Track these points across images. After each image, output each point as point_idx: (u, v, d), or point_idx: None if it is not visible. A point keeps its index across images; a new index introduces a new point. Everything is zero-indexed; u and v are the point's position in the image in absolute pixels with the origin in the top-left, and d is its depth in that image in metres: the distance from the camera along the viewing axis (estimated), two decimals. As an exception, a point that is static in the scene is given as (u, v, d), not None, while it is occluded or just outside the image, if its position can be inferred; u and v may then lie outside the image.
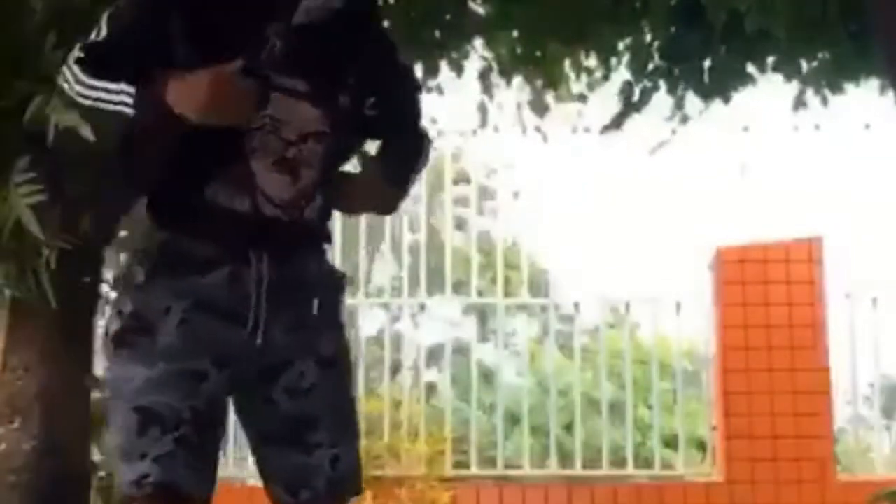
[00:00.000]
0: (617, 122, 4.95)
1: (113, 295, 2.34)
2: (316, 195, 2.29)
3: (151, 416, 2.14)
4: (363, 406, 6.92)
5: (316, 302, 2.30)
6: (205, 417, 2.17)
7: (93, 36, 2.21)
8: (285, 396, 2.27)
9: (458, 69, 4.87)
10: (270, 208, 2.23)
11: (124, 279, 2.26)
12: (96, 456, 3.41)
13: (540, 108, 5.18)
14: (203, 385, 2.17)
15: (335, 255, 7.56)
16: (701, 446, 7.86)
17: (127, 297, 2.24)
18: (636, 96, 4.86)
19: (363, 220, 7.76)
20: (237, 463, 7.71)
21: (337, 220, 7.78)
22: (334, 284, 2.37)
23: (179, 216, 2.22)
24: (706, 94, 4.79)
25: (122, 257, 3.22)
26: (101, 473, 3.47)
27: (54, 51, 2.83)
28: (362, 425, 7.57)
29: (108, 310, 2.33)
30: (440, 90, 4.98)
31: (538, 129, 5.40)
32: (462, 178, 9.18)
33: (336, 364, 2.34)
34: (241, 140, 2.21)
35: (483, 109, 5.23)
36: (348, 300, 8.42)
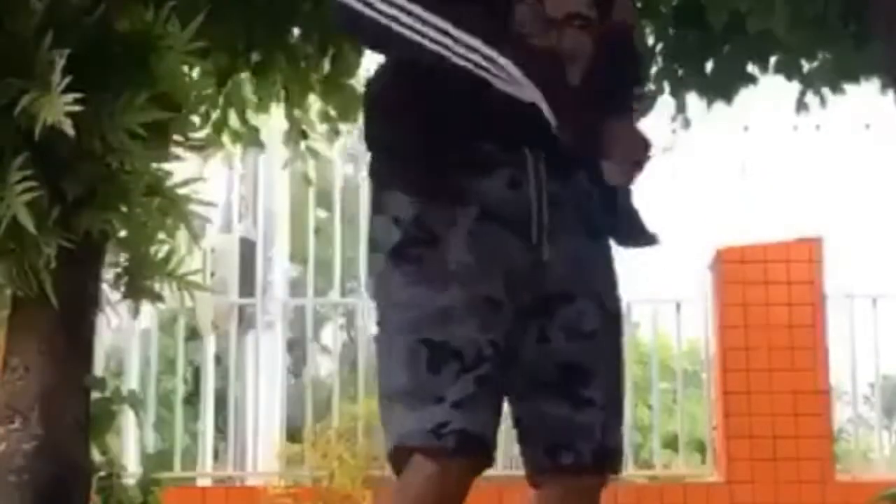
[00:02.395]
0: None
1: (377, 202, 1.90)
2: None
3: (447, 352, 1.78)
4: (363, 406, 6.93)
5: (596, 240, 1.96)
6: (504, 355, 1.83)
7: None
8: (562, 335, 1.91)
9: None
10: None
11: (395, 174, 1.88)
12: (96, 456, 3.41)
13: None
14: (499, 315, 1.83)
15: (335, 254, 7.57)
16: (701, 446, 7.86)
17: (404, 199, 1.86)
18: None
19: (363, 220, 7.76)
20: (237, 463, 7.72)
21: (337, 219, 7.79)
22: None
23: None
24: (709, 95, 4.79)
25: (123, 257, 3.23)
26: (101, 473, 3.46)
27: (50, 51, 2.83)
28: (362, 425, 7.57)
29: (375, 217, 1.90)
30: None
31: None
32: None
33: (618, 322, 2.00)
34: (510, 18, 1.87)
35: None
36: (348, 300, 8.44)
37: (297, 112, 4.91)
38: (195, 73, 3.42)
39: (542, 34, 1.88)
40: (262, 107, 4.80)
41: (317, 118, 5.04)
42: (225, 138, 4.86)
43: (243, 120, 4.84)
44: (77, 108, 2.75)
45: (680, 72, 4.76)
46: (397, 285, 1.84)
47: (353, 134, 5.34)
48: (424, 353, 1.79)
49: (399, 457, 1.86)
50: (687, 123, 4.96)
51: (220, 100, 4.66)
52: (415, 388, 1.80)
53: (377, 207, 1.94)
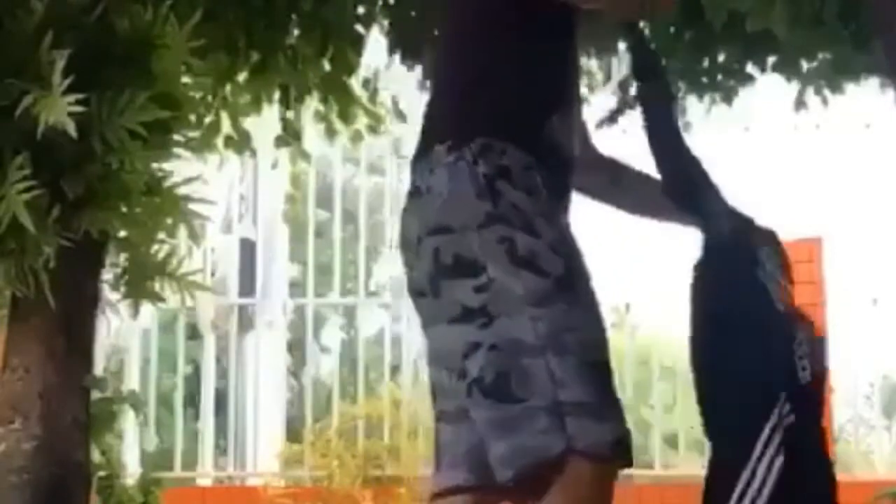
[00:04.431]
0: (613, 117, 4.94)
1: (499, 226, 2.06)
2: None
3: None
4: (363, 406, 6.93)
5: None
6: None
7: None
8: None
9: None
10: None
11: (526, 198, 2.07)
12: (96, 456, 3.41)
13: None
14: None
15: (335, 254, 7.57)
16: (701, 446, 7.86)
17: (548, 227, 2.07)
18: (633, 90, 4.86)
19: (363, 219, 7.77)
20: (237, 463, 7.72)
21: (337, 219, 7.78)
22: None
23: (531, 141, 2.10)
24: (708, 95, 4.80)
25: (123, 257, 3.23)
26: (101, 473, 3.46)
27: (50, 50, 2.83)
28: (361, 425, 7.55)
29: (512, 237, 2.06)
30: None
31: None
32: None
33: None
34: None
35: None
36: (348, 300, 8.45)
37: (290, 114, 4.92)
38: (192, 73, 3.41)
39: None
40: (255, 107, 4.80)
41: (312, 119, 5.05)
42: (218, 142, 4.87)
43: (236, 126, 4.85)
44: (79, 108, 2.75)
45: (679, 71, 4.77)
46: (561, 311, 2.07)
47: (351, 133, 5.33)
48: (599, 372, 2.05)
49: (559, 463, 1.98)
50: (687, 127, 4.96)
51: (215, 104, 4.67)
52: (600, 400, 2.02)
53: (510, 229, 2.09)
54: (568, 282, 2.06)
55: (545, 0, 2.14)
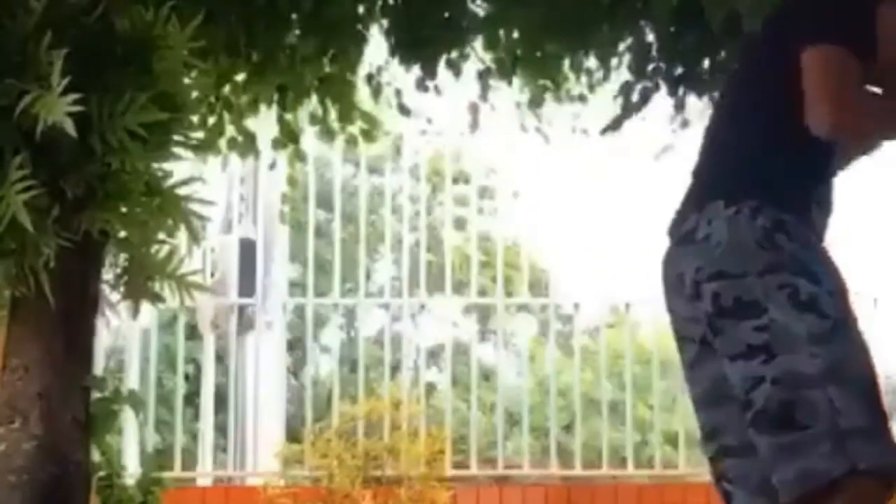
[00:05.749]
0: (616, 124, 4.95)
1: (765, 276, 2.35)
2: None
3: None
4: (363, 406, 6.93)
5: None
6: None
7: None
8: None
9: (456, 70, 4.87)
10: None
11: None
12: (96, 456, 3.41)
13: (539, 108, 5.19)
14: None
15: (335, 254, 7.57)
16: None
17: (826, 275, 2.34)
18: (636, 96, 4.86)
19: (363, 219, 7.77)
20: (237, 463, 7.72)
21: (337, 219, 7.78)
22: None
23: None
24: (707, 95, 4.79)
25: (123, 257, 3.24)
26: (101, 473, 3.46)
27: (49, 50, 2.83)
28: (361, 426, 7.54)
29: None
30: (438, 90, 4.97)
31: (538, 129, 5.40)
32: (462, 178, 9.18)
33: None
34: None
35: (475, 110, 5.21)
36: (348, 300, 8.44)
37: (288, 115, 4.92)
38: (193, 74, 3.41)
39: None
40: (254, 108, 4.80)
41: (307, 120, 5.05)
42: (221, 143, 4.86)
43: (240, 127, 4.85)
44: (79, 108, 2.75)
45: (678, 72, 4.77)
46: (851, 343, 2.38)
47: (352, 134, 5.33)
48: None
49: (843, 483, 2.19)
50: (685, 123, 4.97)
51: (218, 105, 4.67)
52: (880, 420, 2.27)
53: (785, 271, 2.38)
54: (845, 322, 2.33)
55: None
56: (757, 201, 2.34)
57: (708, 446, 2.47)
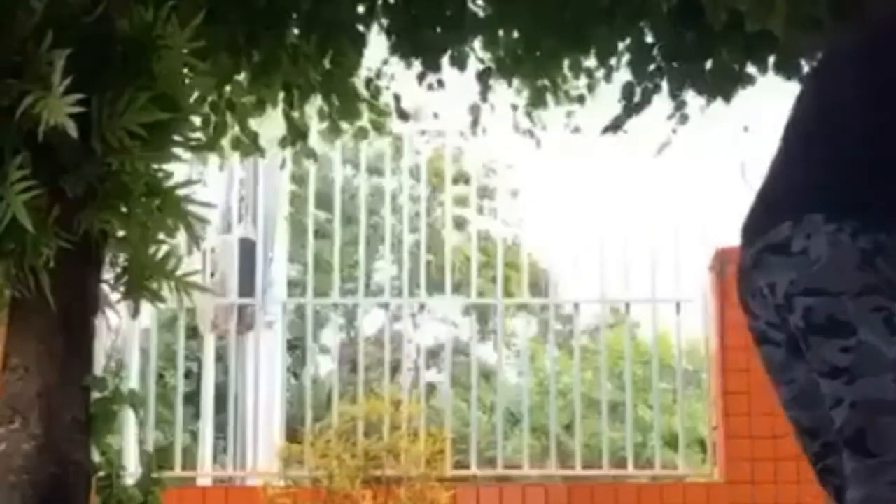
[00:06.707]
0: (617, 124, 4.95)
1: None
2: None
3: None
4: (363, 406, 6.93)
5: None
6: None
7: None
8: None
9: (460, 65, 4.85)
10: None
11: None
12: (96, 456, 3.41)
13: (540, 108, 5.19)
14: None
15: (335, 254, 7.57)
16: (701, 446, 7.86)
17: None
18: (637, 97, 4.86)
19: (363, 220, 7.76)
20: (237, 463, 7.72)
21: (337, 219, 7.78)
22: None
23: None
24: (707, 95, 4.79)
25: (123, 257, 3.24)
26: (101, 473, 3.46)
27: (50, 51, 2.83)
28: (361, 426, 7.53)
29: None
30: (441, 84, 4.96)
31: (538, 129, 5.40)
32: (462, 178, 9.18)
33: None
34: None
35: (477, 110, 5.21)
36: (348, 300, 8.44)
37: (295, 114, 4.91)
38: (194, 74, 3.41)
39: None
40: (260, 108, 4.80)
41: (316, 116, 5.04)
42: (225, 143, 4.86)
43: (243, 126, 4.84)
44: (80, 109, 2.75)
45: (678, 71, 4.76)
46: None
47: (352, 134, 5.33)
48: None
49: None
50: (684, 119, 4.96)
51: (221, 104, 4.67)
52: None
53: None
54: None
55: None
56: (859, 222, 2.33)
57: (811, 445, 2.52)
